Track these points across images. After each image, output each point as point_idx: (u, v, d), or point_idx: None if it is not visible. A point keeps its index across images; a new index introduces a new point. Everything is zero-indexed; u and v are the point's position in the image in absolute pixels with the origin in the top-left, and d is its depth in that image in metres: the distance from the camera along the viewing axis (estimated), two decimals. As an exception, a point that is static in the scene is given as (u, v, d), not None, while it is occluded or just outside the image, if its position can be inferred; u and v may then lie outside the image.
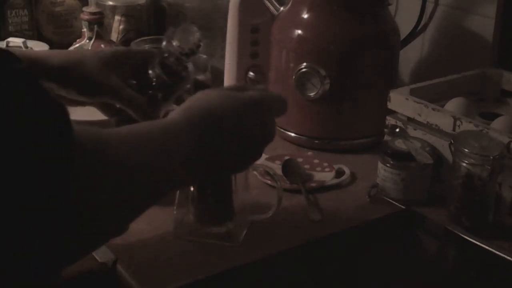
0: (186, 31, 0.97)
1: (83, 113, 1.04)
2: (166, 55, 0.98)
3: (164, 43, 0.98)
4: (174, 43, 0.96)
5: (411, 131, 1.11)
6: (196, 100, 0.82)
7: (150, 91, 0.99)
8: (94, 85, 0.97)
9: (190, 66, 1.00)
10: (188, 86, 1.04)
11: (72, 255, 0.66)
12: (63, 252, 0.63)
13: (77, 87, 0.97)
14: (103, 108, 1.01)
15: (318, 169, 1.17)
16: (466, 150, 0.98)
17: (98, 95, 0.98)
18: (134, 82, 1.00)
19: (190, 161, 0.77)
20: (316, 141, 1.26)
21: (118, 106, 0.99)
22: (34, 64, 0.94)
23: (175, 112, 0.80)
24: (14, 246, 0.59)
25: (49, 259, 0.62)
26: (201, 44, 0.97)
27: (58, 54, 0.99)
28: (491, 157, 0.97)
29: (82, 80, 0.96)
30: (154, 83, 0.99)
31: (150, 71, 0.99)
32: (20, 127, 0.59)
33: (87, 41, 1.49)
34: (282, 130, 1.29)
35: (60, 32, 1.67)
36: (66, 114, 0.63)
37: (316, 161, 1.20)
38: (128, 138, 0.72)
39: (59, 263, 0.65)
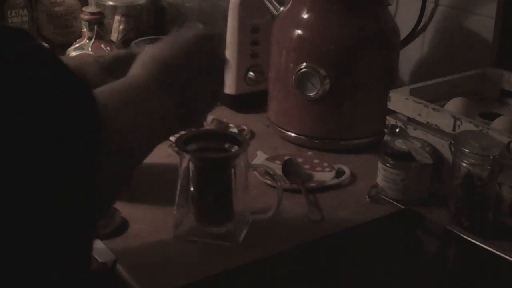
0: (191, 30, 0.96)
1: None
2: None
3: None
4: None
5: (411, 131, 1.11)
6: (145, 54, 0.85)
7: None
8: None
9: None
10: None
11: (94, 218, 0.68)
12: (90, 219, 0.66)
13: None
14: None
15: (318, 169, 1.17)
16: (466, 150, 0.98)
17: None
18: None
19: (165, 109, 0.81)
20: (316, 141, 1.26)
21: None
22: None
23: (134, 69, 0.83)
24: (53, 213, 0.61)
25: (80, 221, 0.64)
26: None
27: None
28: (491, 157, 0.97)
29: None
30: None
31: None
32: (43, 103, 0.60)
33: (87, 41, 1.49)
34: (282, 130, 1.29)
35: (60, 32, 1.67)
36: (87, 88, 0.65)
37: (316, 161, 1.20)
38: (115, 102, 0.74)
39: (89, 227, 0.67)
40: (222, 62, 0.91)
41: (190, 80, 0.84)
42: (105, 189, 0.68)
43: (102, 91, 0.74)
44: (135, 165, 0.78)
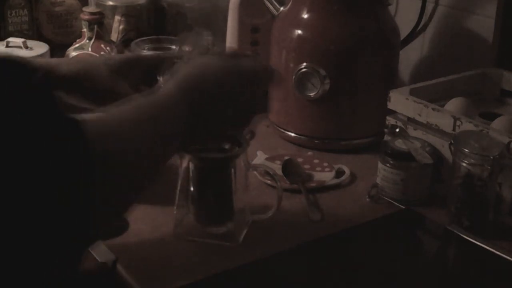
0: (198, 35, 0.96)
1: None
2: (176, 60, 0.97)
3: (175, 47, 0.97)
4: (186, 48, 0.96)
5: (411, 131, 1.11)
6: (192, 68, 0.84)
7: None
8: (103, 93, 0.97)
9: None
10: None
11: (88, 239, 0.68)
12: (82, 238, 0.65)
13: (86, 95, 0.97)
14: None
15: (318, 169, 1.17)
16: (466, 150, 0.98)
17: (107, 102, 0.98)
18: (145, 88, 1.00)
19: (182, 131, 0.80)
20: (316, 141, 1.26)
21: None
22: (44, 73, 0.94)
23: (171, 83, 0.81)
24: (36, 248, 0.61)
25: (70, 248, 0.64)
26: (213, 48, 0.97)
27: (67, 63, 0.99)
28: (491, 157, 0.97)
29: (92, 88, 0.97)
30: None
31: (159, 77, 0.98)
32: (33, 141, 0.60)
33: (87, 41, 1.49)
34: (282, 130, 1.29)
35: (60, 32, 1.66)
36: (79, 128, 0.64)
37: (316, 161, 1.20)
38: (128, 122, 0.73)
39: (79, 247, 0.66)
40: (256, 106, 0.90)
41: (217, 108, 0.84)
42: (105, 207, 0.68)
43: (123, 110, 0.74)
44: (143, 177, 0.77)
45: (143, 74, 1.00)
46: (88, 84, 0.96)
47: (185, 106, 0.79)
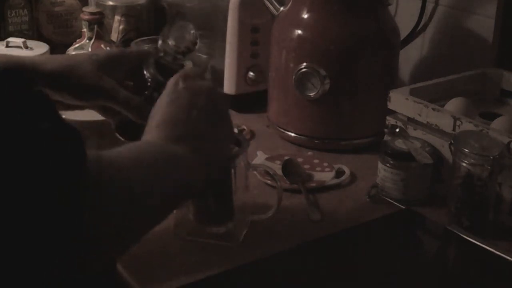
0: (182, 29, 0.96)
1: (83, 114, 1.04)
2: (161, 54, 0.98)
3: (159, 42, 0.97)
4: (170, 42, 0.96)
5: (411, 131, 1.11)
6: (154, 119, 0.85)
7: (146, 92, 0.98)
8: (88, 89, 0.97)
9: (188, 64, 1.00)
10: None
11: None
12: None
13: (72, 92, 0.97)
14: (102, 110, 1.01)
15: (318, 169, 1.17)
16: (466, 150, 0.98)
17: (93, 98, 0.98)
18: (131, 83, 1.00)
19: (193, 176, 0.82)
20: (316, 141, 1.26)
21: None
22: (28, 70, 0.94)
23: (149, 134, 0.83)
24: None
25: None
26: (198, 42, 0.96)
27: (52, 60, 0.99)
28: (491, 157, 0.97)
29: (76, 84, 0.96)
30: (149, 83, 0.98)
31: (145, 72, 0.99)
32: (33, 154, 0.60)
33: (87, 41, 1.49)
34: (282, 130, 1.29)
35: (60, 32, 1.67)
36: (80, 140, 0.64)
37: (316, 161, 1.20)
38: (132, 163, 0.73)
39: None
40: (222, 99, 0.92)
41: (204, 128, 0.85)
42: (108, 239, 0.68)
43: (127, 152, 0.75)
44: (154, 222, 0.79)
45: (129, 69, 1.00)
46: (73, 81, 0.96)
47: (180, 147, 0.81)
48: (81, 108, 1.01)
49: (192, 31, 0.96)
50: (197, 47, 0.97)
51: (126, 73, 1.00)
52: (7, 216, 0.58)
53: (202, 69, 0.93)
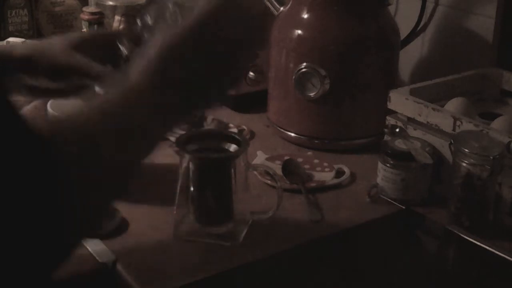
0: (162, 7, 0.93)
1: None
2: (139, 33, 0.94)
3: (137, 20, 0.94)
4: (148, 20, 0.93)
5: (411, 131, 1.11)
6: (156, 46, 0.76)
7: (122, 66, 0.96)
8: (61, 68, 0.96)
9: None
10: None
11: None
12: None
13: (45, 73, 0.96)
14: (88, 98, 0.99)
15: (318, 169, 1.17)
16: (466, 150, 0.98)
17: (67, 77, 0.97)
18: (109, 64, 0.99)
19: (161, 106, 0.73)
20: (316, 141, 1.26)
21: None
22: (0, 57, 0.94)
23: (135, 73, 0.74)
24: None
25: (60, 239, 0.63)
26: (179, 19, 0.91)
27: (24, 45, 0.99)
28: (491, 157, 0.97)
29: (48, 66, 0.96)
30: (125, 58, 0.96)
31: (120, 47, 0.97)
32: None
33: (87, 41, 1.49)
34: (282, 130, 1.29)
35: (60, 32, 1.66)
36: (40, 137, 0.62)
37: (316, 161, 1.19)
38: (97, 116, 0.69)
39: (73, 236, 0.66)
40: (252, 36, 0.79)
41: (202, 67, 0.76)
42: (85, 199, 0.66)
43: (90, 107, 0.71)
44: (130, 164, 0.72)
45: (106, 48, 0.99)
46: (45, 62, 0.95)
47: (162, 83, 0.72)
48: (64, 94, 0.99)
49: (174, 9, 0.92)
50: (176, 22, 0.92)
51: (103, 52, 0.98)
52: None
53: None
